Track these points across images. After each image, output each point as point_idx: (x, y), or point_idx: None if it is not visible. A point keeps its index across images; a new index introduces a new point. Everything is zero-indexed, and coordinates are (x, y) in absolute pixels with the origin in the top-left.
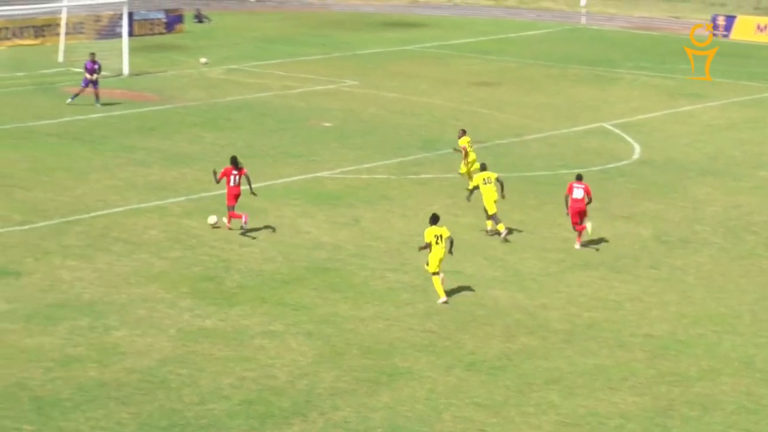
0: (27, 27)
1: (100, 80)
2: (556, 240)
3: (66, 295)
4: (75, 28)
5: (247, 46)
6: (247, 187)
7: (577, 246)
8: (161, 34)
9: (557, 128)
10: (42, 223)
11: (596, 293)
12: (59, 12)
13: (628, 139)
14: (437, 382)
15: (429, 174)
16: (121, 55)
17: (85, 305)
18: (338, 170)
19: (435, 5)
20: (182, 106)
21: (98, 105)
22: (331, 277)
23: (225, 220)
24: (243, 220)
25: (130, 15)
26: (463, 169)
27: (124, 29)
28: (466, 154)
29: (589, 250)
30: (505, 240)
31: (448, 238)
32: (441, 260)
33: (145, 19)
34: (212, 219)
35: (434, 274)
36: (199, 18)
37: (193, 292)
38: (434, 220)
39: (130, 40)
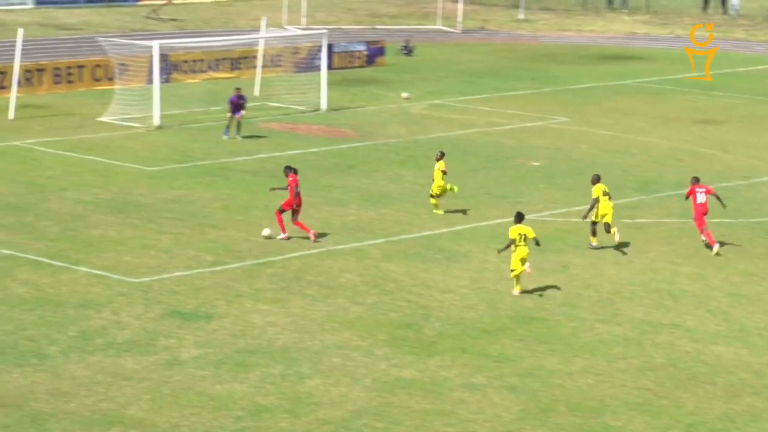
0: (223, 59)
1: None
2: None
3: (258, 341)
4: (272, 61)
5: (452, 80)
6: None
7: (716, 248)
8: (361, 67)
9: None
10: (234, 265)
11: None
12: (256, 44)
13: None
14: None
15: (645, 218)
16: (320, 89)
17: (277, 352)
18: (546, 213)
19: (655, 37)
20: (382, 143)
21: (225, 136)
22: (537, 327)
23: (283, 235)
24: (311, 235)
25: (330, 47)
26: (439, 186)
27: (323, 62)
28: (444, 174)
29: None
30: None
31: (533, 238)
32: (523, 260)
33: (345, 51)
34: (266, 231)
35: (516, 276)
36: (408, 49)
37: (390, 339)
38: (519, 218)
39: (329, 74)
